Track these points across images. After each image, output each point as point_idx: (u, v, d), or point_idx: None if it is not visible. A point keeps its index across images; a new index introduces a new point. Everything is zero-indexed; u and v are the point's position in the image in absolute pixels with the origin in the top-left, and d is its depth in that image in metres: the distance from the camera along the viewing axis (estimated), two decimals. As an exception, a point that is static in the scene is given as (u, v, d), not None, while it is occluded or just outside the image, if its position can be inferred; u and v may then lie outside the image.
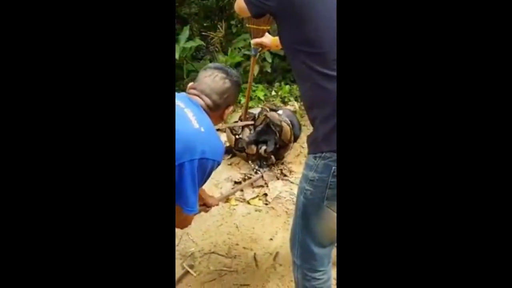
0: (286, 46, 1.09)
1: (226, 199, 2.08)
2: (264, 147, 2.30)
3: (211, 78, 1.15)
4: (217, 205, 1.55)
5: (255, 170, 2.30)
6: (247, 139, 2.33)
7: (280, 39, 1.11)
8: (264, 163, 2.35)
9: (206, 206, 1.46)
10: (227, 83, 1.16)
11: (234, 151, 2.46)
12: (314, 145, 1.04)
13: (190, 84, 1.20)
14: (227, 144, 2.46)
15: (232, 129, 2.40)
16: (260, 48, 1.92)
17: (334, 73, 0.95)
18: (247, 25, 2.24)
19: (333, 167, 0.99)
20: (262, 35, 1.86)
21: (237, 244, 1.82)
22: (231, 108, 1.21)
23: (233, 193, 2.10)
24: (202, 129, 1.04)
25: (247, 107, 2.42)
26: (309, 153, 1.08)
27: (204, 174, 1.06)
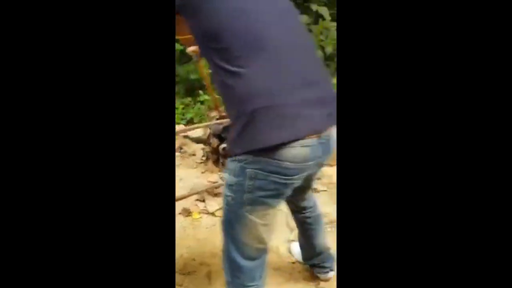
0: (197, 43, 0.98)
1: (188, 213, 1.95)
2: (223, 145, 2.19)
3: None
4: None
5: (222, 178, 2.17)
6: (212, 131, 2.25)
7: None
8: (221, 161, 2.25)
9: None
10: None
11: (207, 143, 2.44)
12: (230, 148, 0.93)
13: None
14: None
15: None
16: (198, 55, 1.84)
17: (237, 69, 0.85)
18: (176, 37, 2.22)
19: (247, 170, 0.87)
20: (193, 43, 1.79)
21: (193, 260, 1.68)
22: None
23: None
24: None
25: (217, 105, 2.37)
26: (227, 156, 0.96)
27: None
